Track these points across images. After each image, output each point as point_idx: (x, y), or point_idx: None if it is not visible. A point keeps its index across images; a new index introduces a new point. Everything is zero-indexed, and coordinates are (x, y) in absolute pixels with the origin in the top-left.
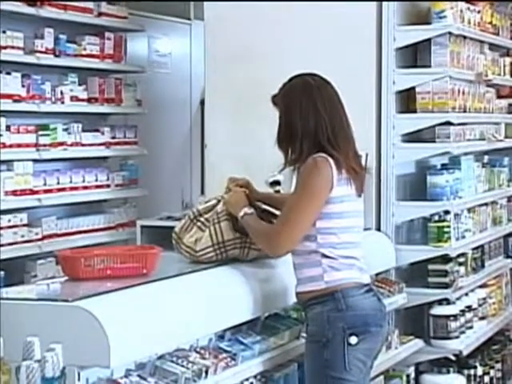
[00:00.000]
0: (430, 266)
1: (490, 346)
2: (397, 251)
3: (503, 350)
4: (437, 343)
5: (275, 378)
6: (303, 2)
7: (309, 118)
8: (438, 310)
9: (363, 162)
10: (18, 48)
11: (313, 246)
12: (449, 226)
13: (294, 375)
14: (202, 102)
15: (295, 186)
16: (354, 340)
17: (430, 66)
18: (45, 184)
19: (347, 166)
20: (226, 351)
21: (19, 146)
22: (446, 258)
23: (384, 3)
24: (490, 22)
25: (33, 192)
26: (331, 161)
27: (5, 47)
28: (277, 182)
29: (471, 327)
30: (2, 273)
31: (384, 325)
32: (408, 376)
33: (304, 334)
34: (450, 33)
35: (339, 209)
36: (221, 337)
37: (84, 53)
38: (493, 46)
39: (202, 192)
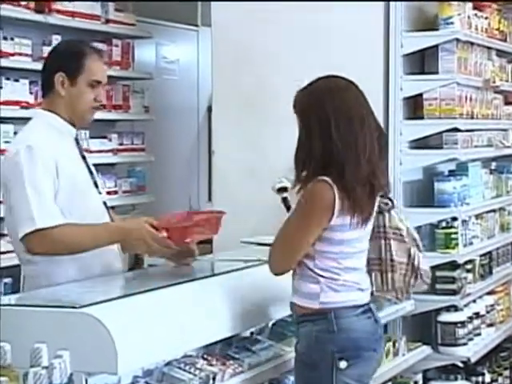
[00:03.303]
0: (438, 273)
1: (498, 353)
2: None
3: (511, 357)
4: (444, 350)
5: None
6: (310, 9)
7: (321, 139)
8: (445, 317)
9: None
10: (26, 55)
11: (311, 265)
12: (456, 233)
13: None
14: (210, 109)
15: (295, 207)
16: (343, 364)
17: (437, 73)
18: None
19: (353, 195)
20: (233, 358)
21: None
22: (453, 265)
23: (391, 10)
24: (498, 29)
25: None
26: (335, 189)
27: (13, 54)
28: (284, 189)
29: (479, 334)
30: (10, 279)
31: (378, 349)
32: (416, 383)
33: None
34: (457, 39)
35: (340, 237)
36: (228, 343)
37: None
38: (500, 52)
39: (210, 198)
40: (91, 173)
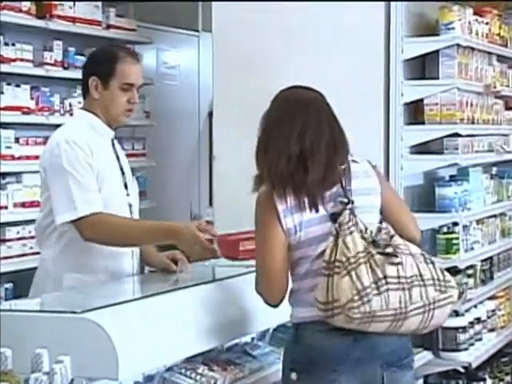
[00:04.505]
0: None
1: (500, 358)
2: None
3: None
4: (446, 355)
5: None
6: (312, 14)
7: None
8: (446, 322)
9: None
10: (27, 60)
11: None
12: (457, 238)
13: None
14: (210, 114)
15: None
16: (294, 376)
17: (438, 78)
18: None
19: (297, 191)
20: (234, 363)
21: (28, 158)
22: (454, 270)
23: (392, 15)
24: (498, 34)
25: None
26: (274, 192)
27: (14, 60)
28: None
29: (480, 339)
30: (11, 285)
31: (348, 370)
32: None
33: None
34: (458, 44)
35: (303, 237)
36: (229, 349)
37: None
38: (501, 58)
39: (211, 204)
40: (123, 174)
